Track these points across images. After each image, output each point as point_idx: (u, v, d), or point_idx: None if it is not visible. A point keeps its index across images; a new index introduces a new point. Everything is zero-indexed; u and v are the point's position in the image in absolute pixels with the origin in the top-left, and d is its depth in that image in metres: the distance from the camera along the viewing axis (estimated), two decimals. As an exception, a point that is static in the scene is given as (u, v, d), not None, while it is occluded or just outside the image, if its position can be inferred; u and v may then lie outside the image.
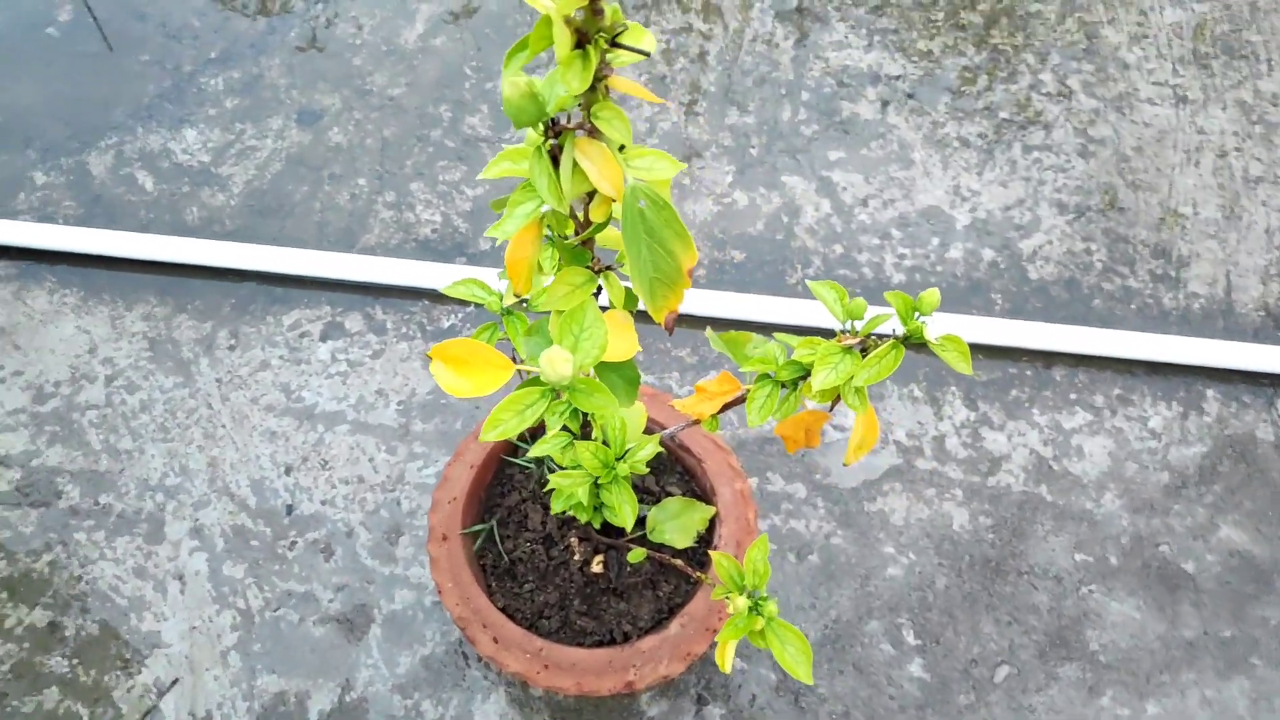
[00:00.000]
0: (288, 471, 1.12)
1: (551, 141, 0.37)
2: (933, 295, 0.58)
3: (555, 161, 0.38)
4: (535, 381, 0.40)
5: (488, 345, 0.41)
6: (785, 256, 1.26)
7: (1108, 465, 1.12)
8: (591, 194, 0.39)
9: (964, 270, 1.26)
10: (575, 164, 0.37)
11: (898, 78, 1.43)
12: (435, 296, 1.22)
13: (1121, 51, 1.46)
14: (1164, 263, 1.27)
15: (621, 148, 0.38)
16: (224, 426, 1.15)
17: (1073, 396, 1.17)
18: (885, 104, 1.40)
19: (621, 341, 0.44)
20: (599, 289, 0.46)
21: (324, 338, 1.20)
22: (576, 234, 0.43)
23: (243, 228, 1.28)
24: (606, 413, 0.53)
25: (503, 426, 0.39)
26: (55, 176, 1.32)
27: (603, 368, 0.46)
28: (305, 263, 1.22)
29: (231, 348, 1.20)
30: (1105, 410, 1.16)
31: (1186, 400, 1.17)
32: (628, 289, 0.47)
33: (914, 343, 0.59)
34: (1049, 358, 1.19)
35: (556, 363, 0.38)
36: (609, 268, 0.45)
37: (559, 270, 0.43)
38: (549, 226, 0.43)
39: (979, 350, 1.20)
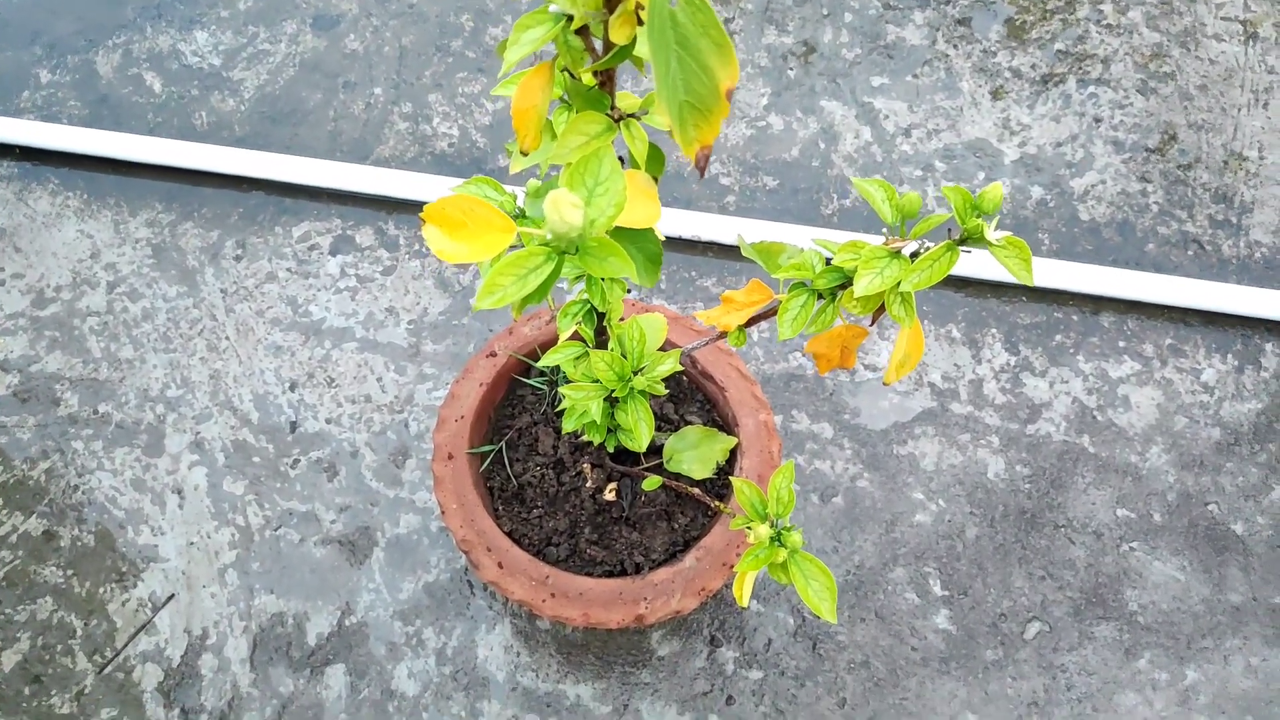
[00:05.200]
0: (292, 388, 1.07)
1: (568, -74, 0.31)
2: (995, 190, 0.52)
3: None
4: (538, 243, 0.35)
5: (488, 203, 0.35)
6: (821, 185, 1.19)
7: (1155, 418, 1.06)
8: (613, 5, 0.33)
9: (1010, 208, 1.18)
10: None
11: (948, 2, 1.34)
12: (451, 214, 1.17)
13: (1191, -17, 1.36)
14: (1225, 208, 1.19)
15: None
16: (228, 339, 1.10)
17: (1121, 344, 1.10)
18: (934, 29, 1.32)
19: (642, 207, 0.38)
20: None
21: (334, 251, 1.15)
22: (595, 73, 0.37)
23: (253, 134, 1.22)
24: (617, 299, 0.47)
25: (500, 292, 0.33)
26: (61, 75, 1.27)
27: (620, 236, 0.41)
28: (316, 173, 1.16)
29: (238, 258, 1.15)
30: (1155, 360, 1.09)
31: (1243, 353, 1.09)
32: (654, 146, 0.41)
33: (971, 245, 0.53)
34: (1097, 302, 1.12)
35: (563, 207, 0.32)
36: (632, 116, 0.39)
37: (572, 119, 0.37)
38: (562, 68, 0.37)
39: (1021, 291, 1.13)
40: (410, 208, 1.17)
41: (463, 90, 1.25)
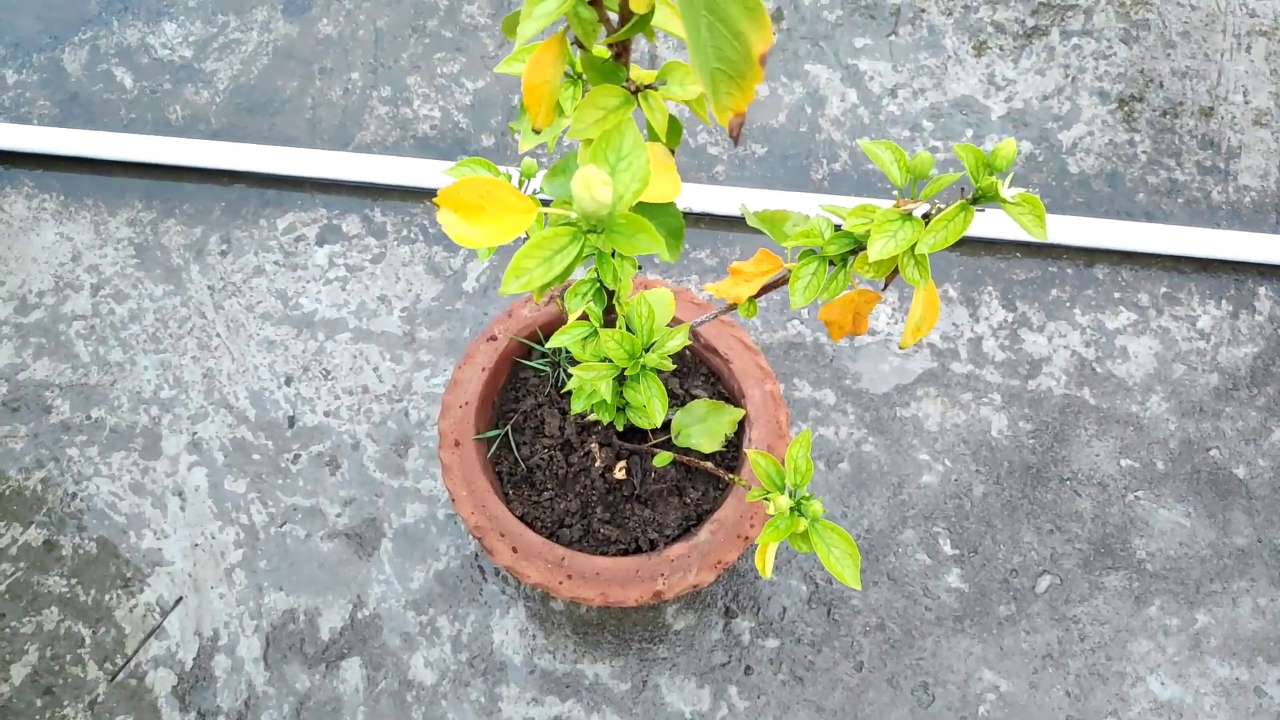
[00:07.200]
0: (288, 382, 1.06)
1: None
2: (1008, 147, 0.51)
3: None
4: (563, 223, 0.34)
5: (505, 184, 0.34)
6: (810, 150, 1.18)
7: (1154, 367, 1.06)
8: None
9: (1000, 164, 1.18)
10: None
11: (928, -41, 1.33)
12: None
13: (1169, -72, 1.36)
14: (1212, 154, 1.19)
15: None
16: (219, 336, 1.08)
17: (1116, 295, 1.10)
18: (915, -12, 1.30)
19: (663, 181, 0.37)
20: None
21: (321, 241, 1.13)
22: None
23: (230, 126, 1.19)
24: (627, 276, 0.46)
25: (526, 276, 0.32)
26: (27, 74, 1.24)
27: (642, 211, 0.40)
28: (298, 162, 1.14)
29: (224, 253, 1.13)
30: (1151, 310, 1.09)
31: (1237, 299, 1.10)
32: (672, 117, 0.40)
33: (984, 203, 0.53)
34: (1091, 255, 1.12)
35: (594, 186, 0.31)
36: (649, 87, 0.38)
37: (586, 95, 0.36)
38: (574, 39, 0.36)
39: (1016, 248, 1.13)
40: (395, 193, 1.15)
41: (441, 71, 1.23)
